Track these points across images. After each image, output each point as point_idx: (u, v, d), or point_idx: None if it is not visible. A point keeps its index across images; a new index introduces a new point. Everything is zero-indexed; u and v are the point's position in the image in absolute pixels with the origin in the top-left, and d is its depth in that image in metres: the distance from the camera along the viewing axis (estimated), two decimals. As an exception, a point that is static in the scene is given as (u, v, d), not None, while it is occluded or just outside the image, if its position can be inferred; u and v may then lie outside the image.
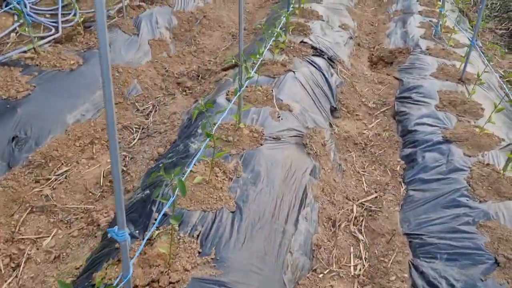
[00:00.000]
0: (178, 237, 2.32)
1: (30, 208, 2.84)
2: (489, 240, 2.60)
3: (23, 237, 2.66)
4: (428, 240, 2.77)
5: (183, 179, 1.99)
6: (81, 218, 2.85)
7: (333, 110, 4.28)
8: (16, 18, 4.80)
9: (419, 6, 7.03)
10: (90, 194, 3.05)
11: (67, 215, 2.86)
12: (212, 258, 2.24)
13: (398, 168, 3.58)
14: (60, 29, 4.73)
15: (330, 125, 4.03)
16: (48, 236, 2.70)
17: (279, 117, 3.58)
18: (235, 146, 3.09)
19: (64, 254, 2.61)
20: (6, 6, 4.61)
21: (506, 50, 6.67)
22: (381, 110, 4.49)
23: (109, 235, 1.57)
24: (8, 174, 3.01)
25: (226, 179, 2.78)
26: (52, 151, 3.22)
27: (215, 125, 2.67)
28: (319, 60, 4.71)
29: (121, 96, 4.02)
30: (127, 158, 3.41)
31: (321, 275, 2.58)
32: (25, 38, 4.48)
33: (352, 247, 2.84)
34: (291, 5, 4.56)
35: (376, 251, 2.82)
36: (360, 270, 2.68)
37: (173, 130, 3.66)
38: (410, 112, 4.16)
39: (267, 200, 2.72)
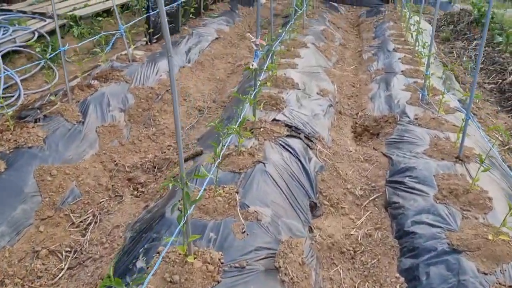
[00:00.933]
0: None
1: None
2: None
3: None
4: None
5: None
6: None
7: (313, 206, 3.57)
8: None
9: (401, 64, 6.57)
10: None
11: None
12: None
13: (397, 289, 2.83)
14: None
15: (310, 229, 3.31)
16: None
17: (244, 232, 2.84)
18: (181, 290, 2.33)
19: None
20: None
21: (499, 108, 6.16)
22: (371, 199, 3.79)
23: None
24: None
25: None
26: None
27: (159, 254, 1.94)
28: (294, 142, 4.07)
29: (52, 208, 3.27)
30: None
31: None
32: None
33: None
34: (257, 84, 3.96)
35: None
36: None
37: (110, 256, 2.89)
38: (405, 205, 3.46)
39: None
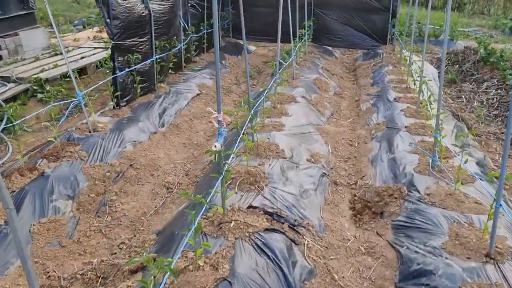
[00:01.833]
0: None
1: None
2: None
3: None
4: None
5: None
6: None
7: None
8: None
9: (404, 117, 5.76)
10: None
11: None
12: None
13: None
14: None
15: None
16: None
17: None
18: None
19: None
20: None
21: (523, 166, 5.25)
22: (377, 317, 2.86)
23: None
24: None
25: None
26: None
27: None
28: (275, 240, 3.18)
29: None
30: None
31: None
32: None
33: None
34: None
35: None
36: None
37: None
38: (424, 337, 2.53)
39: None
